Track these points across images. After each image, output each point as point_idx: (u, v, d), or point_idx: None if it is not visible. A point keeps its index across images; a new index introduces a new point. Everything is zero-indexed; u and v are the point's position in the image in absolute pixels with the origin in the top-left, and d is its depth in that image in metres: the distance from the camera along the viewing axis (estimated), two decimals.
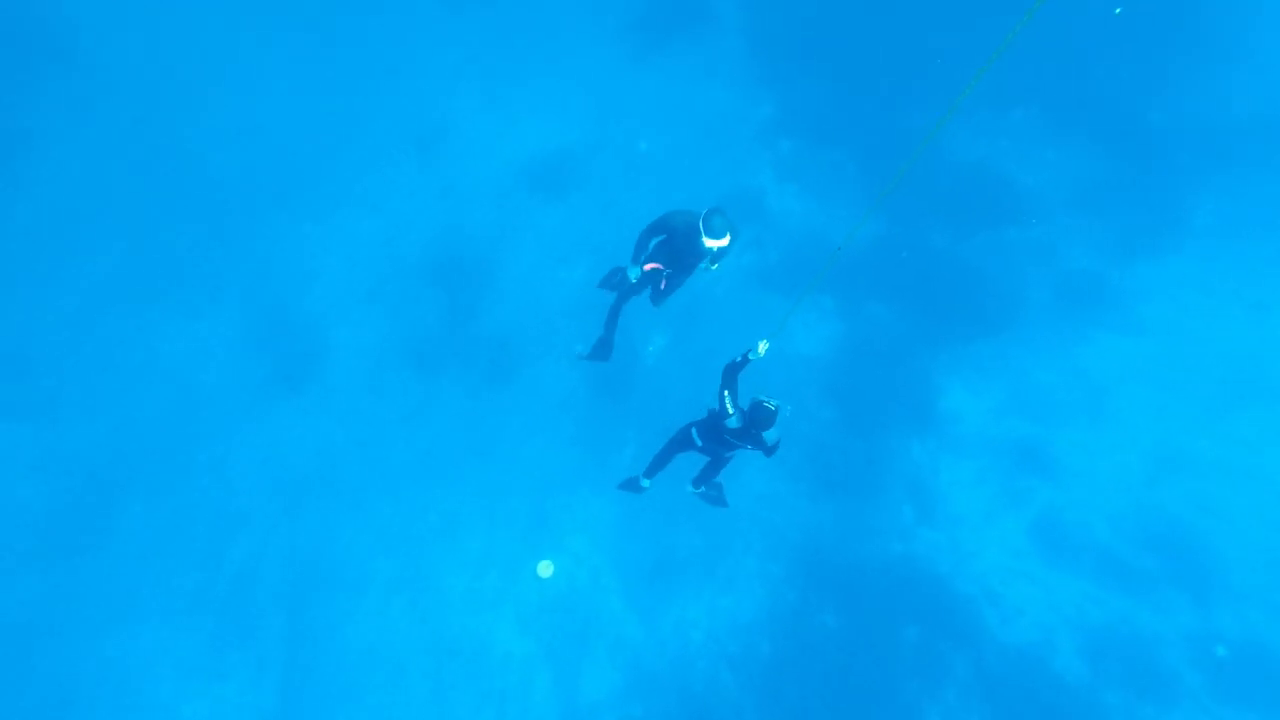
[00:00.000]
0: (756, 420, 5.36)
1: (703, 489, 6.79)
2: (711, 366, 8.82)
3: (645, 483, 6.69)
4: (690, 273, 6.30)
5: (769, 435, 5.48)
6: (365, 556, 7.98)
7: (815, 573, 8.04)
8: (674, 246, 5.99)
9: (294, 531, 8.00)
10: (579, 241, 8.64)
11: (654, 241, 6.13)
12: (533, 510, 8.35)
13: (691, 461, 6.41)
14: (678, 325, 9.09)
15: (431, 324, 8.49)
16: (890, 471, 8.55)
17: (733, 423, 5.48)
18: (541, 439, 8.60)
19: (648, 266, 6.19)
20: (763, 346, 5.42)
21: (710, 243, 5.51)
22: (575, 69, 8.71)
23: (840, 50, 9.28)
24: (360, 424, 8.30)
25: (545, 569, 8.02)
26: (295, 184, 8.79)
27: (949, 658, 7.37)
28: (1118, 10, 9.43)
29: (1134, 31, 9.24)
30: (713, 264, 6.19)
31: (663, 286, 6.44)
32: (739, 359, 5.49)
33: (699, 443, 6.00)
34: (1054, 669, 7.17)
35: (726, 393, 5.47)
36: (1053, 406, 8.62)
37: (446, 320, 8.50)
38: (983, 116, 9.50)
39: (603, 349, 7.10)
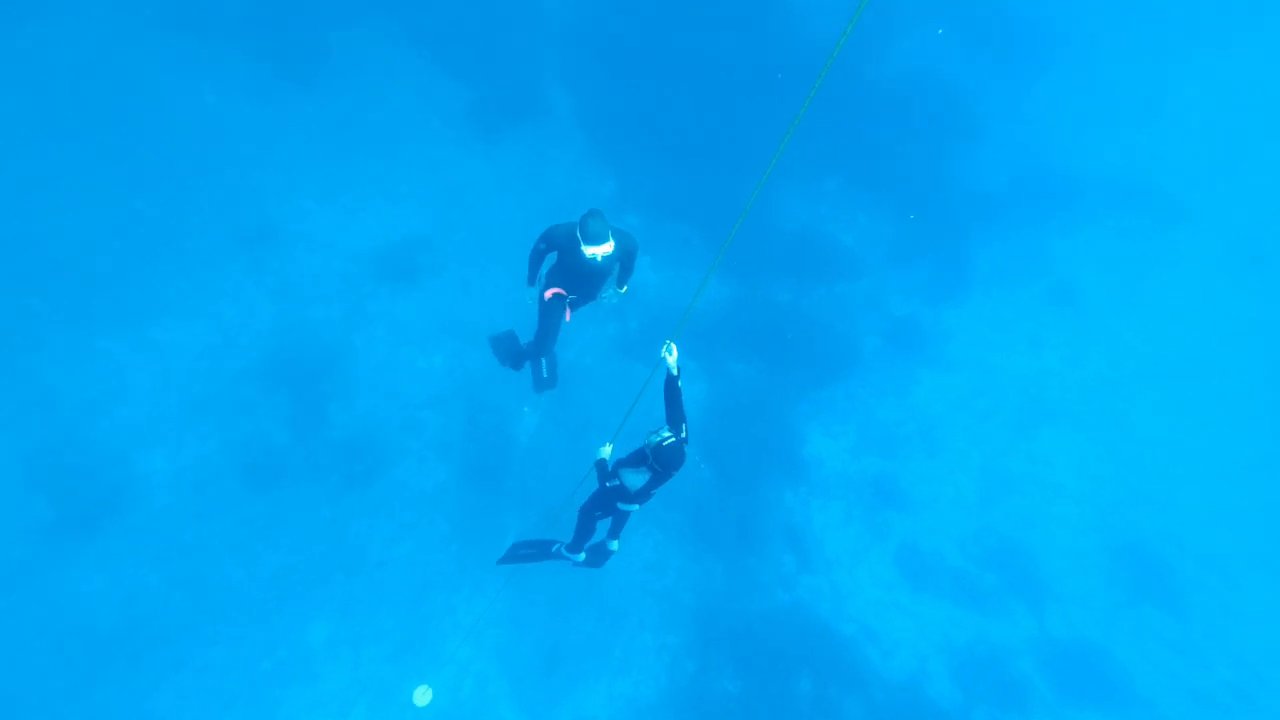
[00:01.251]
0: (672, 464, 4.75)
1: (589, 549, 6.26)
2: (588, 441, 8.78)
3: (579, 557, 6.18)
4: (596, 289, 5.69)
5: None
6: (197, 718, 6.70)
7: (710, 636, 8.05)
8: (565, 264, 5.47)
9: (96, 710, 6.53)
10: (436, 327, 8.22)
11: (546, 262, 5.58)
12: (406, 623, 7.57)
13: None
14: (547, 401, 8.91)
15: (273, 433, 7.53)
16: (768, 522, 8.89)
17: (636, 482, 4.86)
18: (412, 541, 7.88)
19: (549, 293, 5.65)
20: (671, 354, 4.72)
21: (590, 250, 5.01)
22: (413, 159, 8.44)
23: (670, 130, 9.94)
24: (180, 560, 7.06)
25: (422, 696, 7.18)
26: (88, 296, 7.50)
27: (841, 703, 7.66)
28: (940, 31, 10.95)
29: (911, 113, 10.85)
30: (620, 287, 5.75)
31: (568, 318, 5.88)
32: (667, 376, 4.82)
33: (635, 508, 5.25)
34: (931, 697, 7.72)
35: (619, 477, 4.90)
36: (896, 441, 9.52)
37: (291, 427, 7.59)
38: (804, 187, 10.57)
39: (549, 376, 6.62)
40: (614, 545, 6.17)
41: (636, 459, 4.96)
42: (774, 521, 8.89)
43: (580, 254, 5.14)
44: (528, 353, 6.56)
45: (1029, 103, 11.23)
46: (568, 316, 5.91)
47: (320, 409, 7.68)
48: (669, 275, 9.55)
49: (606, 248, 5.07)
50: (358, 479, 7.76)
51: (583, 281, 5.67)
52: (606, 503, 5.49)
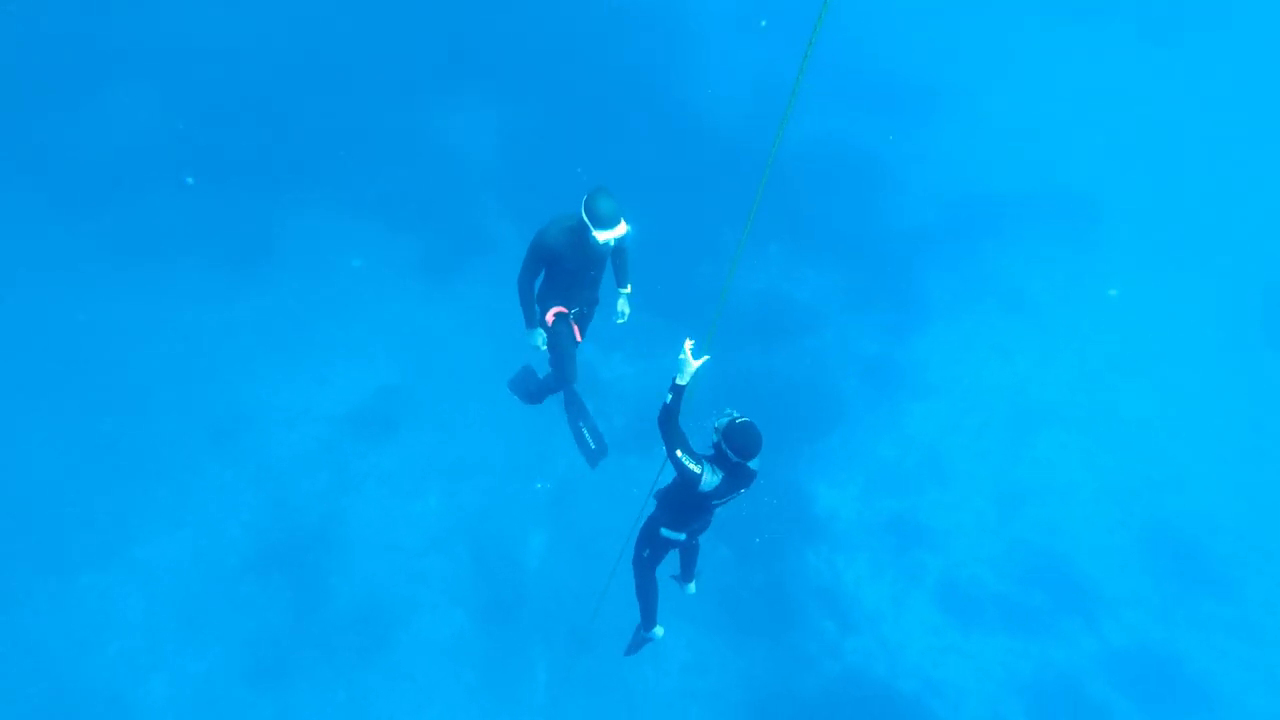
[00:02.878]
0: (742, 449, 3.75)
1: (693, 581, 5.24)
2: (598, 549, 8.55)
3: (658, 633, 5.29)
4: (597, 288, 5.08)
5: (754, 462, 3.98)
6: None
7: None
8: (565, 271, 4.79)
9: None
10: (424, 470, 8.14)
11: (538, 283, 4.92)
12: None
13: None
14: (550, 516, 8.73)
15: (275, 624, 7.21)
16: (799, 590, 8.60)
17: (709, 483, 3.87)
18: (439, 702, 7.42)
19: (550, 315, 5.01)
20: (689, 352, 3.78)
21: (603, 235, 4.37)
22: (374, 317, 8.68)
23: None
24: None
25: None
26: (65, 536, 7.33)
27: None
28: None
29: (831, 175, 11.52)
30: (624, 287, 5.07)
31: (579, 337, 5.23)
32: (668, 398, 3.89)
33: (681, 537, 4.44)
34: None
35: (679, 452, 3.87)
36: (903, 477, 9.45)
37: (292, 612, 7.28)
38: (749, 258, 11.02)
39: (596, 447, 5.96)
40: (691, 588, 5.16)
41: (705, 455, 3.93)
42: (804, 588, 8.61)
43: (582, 251, 4.58)
44: (548, 387, 5.94)
45: (937, 145, 12.08)
46: (579, 336, 5.25)
47: (320, 585, 7.41)
48: (643, 366, 9.68)
49: (622, 228, 4.46)
50: (370, 648, 7.38)
51: (584, 286, 5.06)
52: (652, 536, 4.44)
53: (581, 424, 6.19)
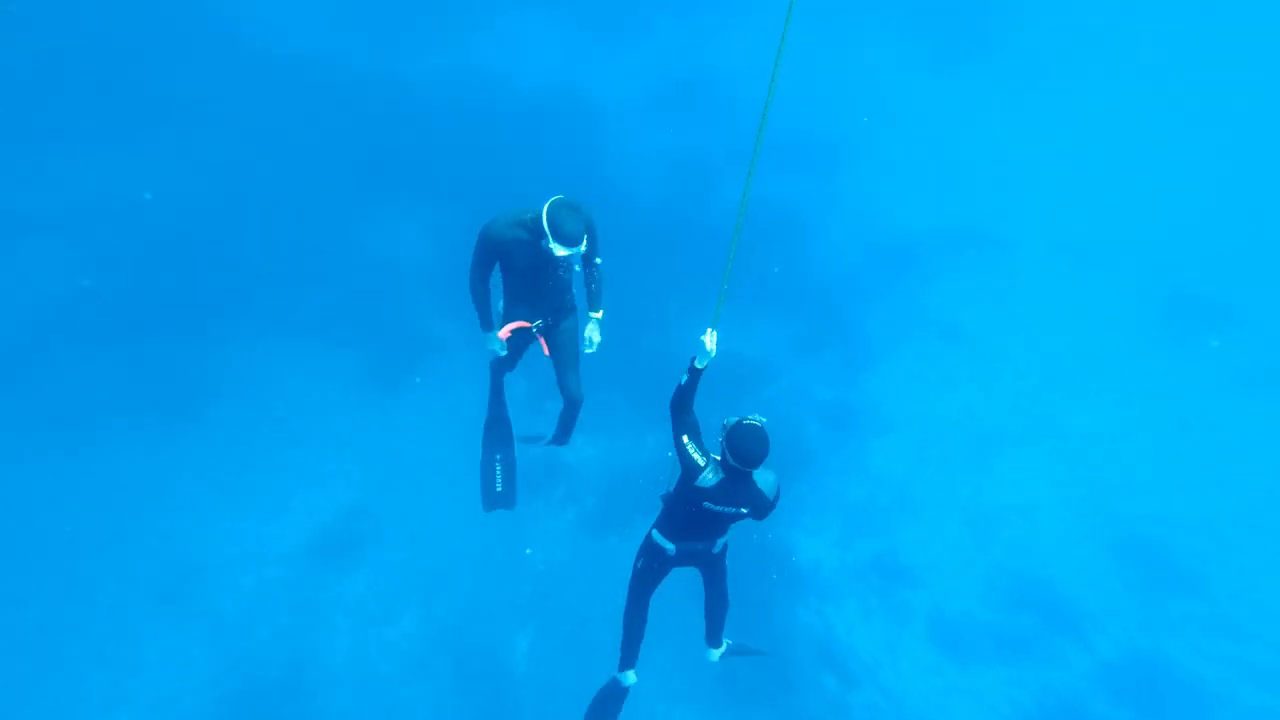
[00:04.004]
0: (739, 452, 3.44)
1: (728, 644, 4.72)
2: (588, 639, 8.22)
3: (629, 678, 4.60)
4: (563, 295, 4.63)
5: (766, 480, 3.72)
6: None
7: None
8: (518, 271, 4.31)
9: None
10: (395, 590, 7.74)
11: (496, 283, 4.45)
12: None
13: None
14: (533, 613, 8.40)
15: None
16: (795, 648, 8.44)
17: (706, 479, 3.55)
18: None
19: (507, 331, 4.53)
20: (710, 339, 3.61)
21: (559, 251, 3.99)
22: (324, 439, 8.35)
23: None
24: None
25: None
26: None
27: None
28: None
29: (754, 236, 11.98)
30: (595, 312, 4.66)
31: (546, 352, 4.75)
32: (684, 380, 3.68)
33: (669, 547, 3.96)
34: None
35: (686, 438, 3.61)
36: (877, 516, 9.57)
37: None
38: (697, 319, 11.27)
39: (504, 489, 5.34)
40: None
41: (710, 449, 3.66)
42: (799, 644, 8.47)
43: (533, 252, 4.16)
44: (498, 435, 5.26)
45: (848, 194, 12.83)
46: (546, 350, 4.78)
47: None
48: (605, 445, 9.63)
49: (583, 246, 4.09)
50: None
51: (546, 291, 4.53)
52: (646, 542, 4.06)
53: (497, 457, 5.52)
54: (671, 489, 4.10)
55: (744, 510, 3.78)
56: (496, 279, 4.57)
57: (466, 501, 8.30)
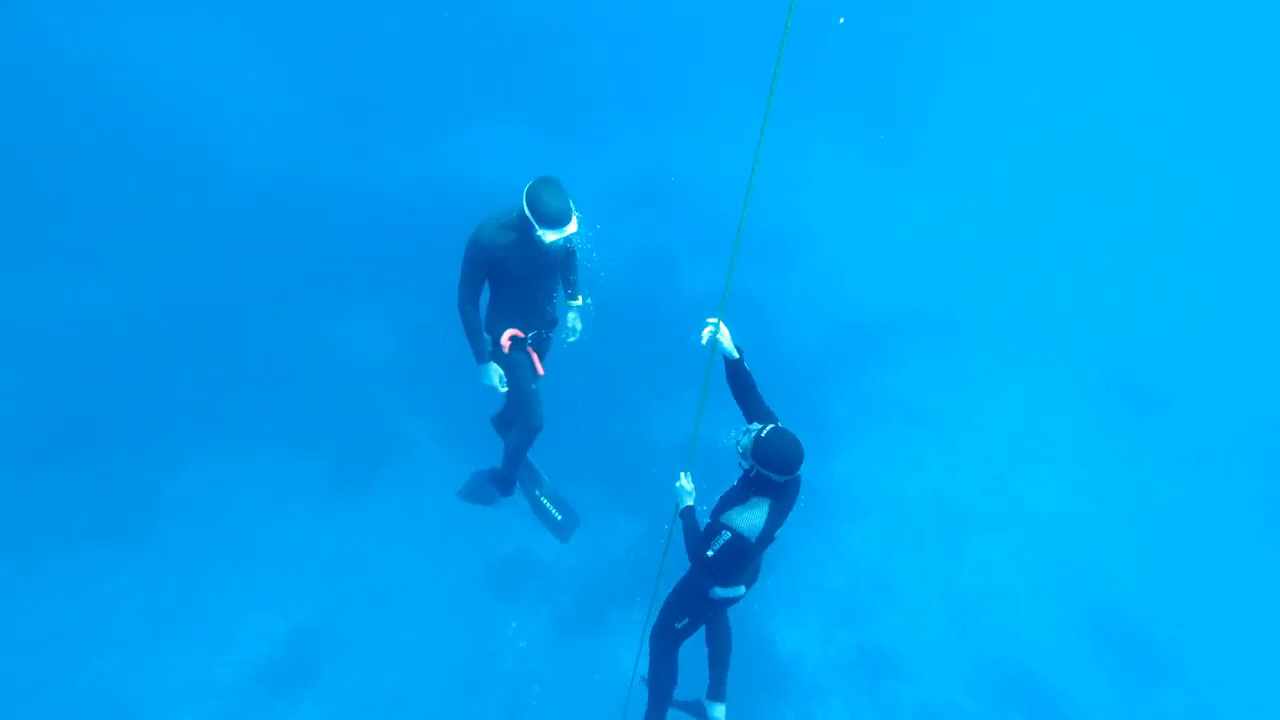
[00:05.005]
0: (785, 462, 3.30)
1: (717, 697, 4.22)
2: None
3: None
4: (553, 301, 4.33)
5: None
6: None
7: None
8: (511, 280, 4.04)
9: None
10: (357, 717, 7.14)
11: (484, 300, 4.16)
12: None
13: None
14: None
15: None
16: None
17: (754, 527, 3.37)
18: None
19: (506, 338, 4.19)
20: (685, 480, 3.49)
21: (551, 235, 3.79)
22: (280, 552, 7.82)
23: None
24: None
25: None
26: None
27: None
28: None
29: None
30: (575, 299, 4.40)
31: (540, 371, 4.41)
32: (681, 524, 3.50)
33: (740, 591, 3.70)
34: None
35: (711, 547, 3.39)
36: (856, 605, 9.40)
37: None
38: (663, 409, 11.36)
39: (564, 519, 5.09)
40: (719, 713, 4.19)
41: (741, 490, 3.49)
42: None
43: (528, 252, 3.92)
44: (513, 457, 4.82)
45: (804, 284, 13.42)
46: (540, 368, 4.41)
47: None
48: (578, 538, 9.31)
49: (573, 226, 3.86)
50: None
51: (538, 300, 4.22)
52: (695, 599, 3.77)
53: (539, 493, 5.30)
54: (710, 556, 3.69)
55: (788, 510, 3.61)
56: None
57: (432, 611, 7.89)
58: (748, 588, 3.94)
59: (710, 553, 3.46)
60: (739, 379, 3.70)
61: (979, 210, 15.49)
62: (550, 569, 9.21)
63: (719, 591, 3.86)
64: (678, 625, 4.04)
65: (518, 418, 4.57)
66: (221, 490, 8.03)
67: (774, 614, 9.23)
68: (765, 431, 3.38)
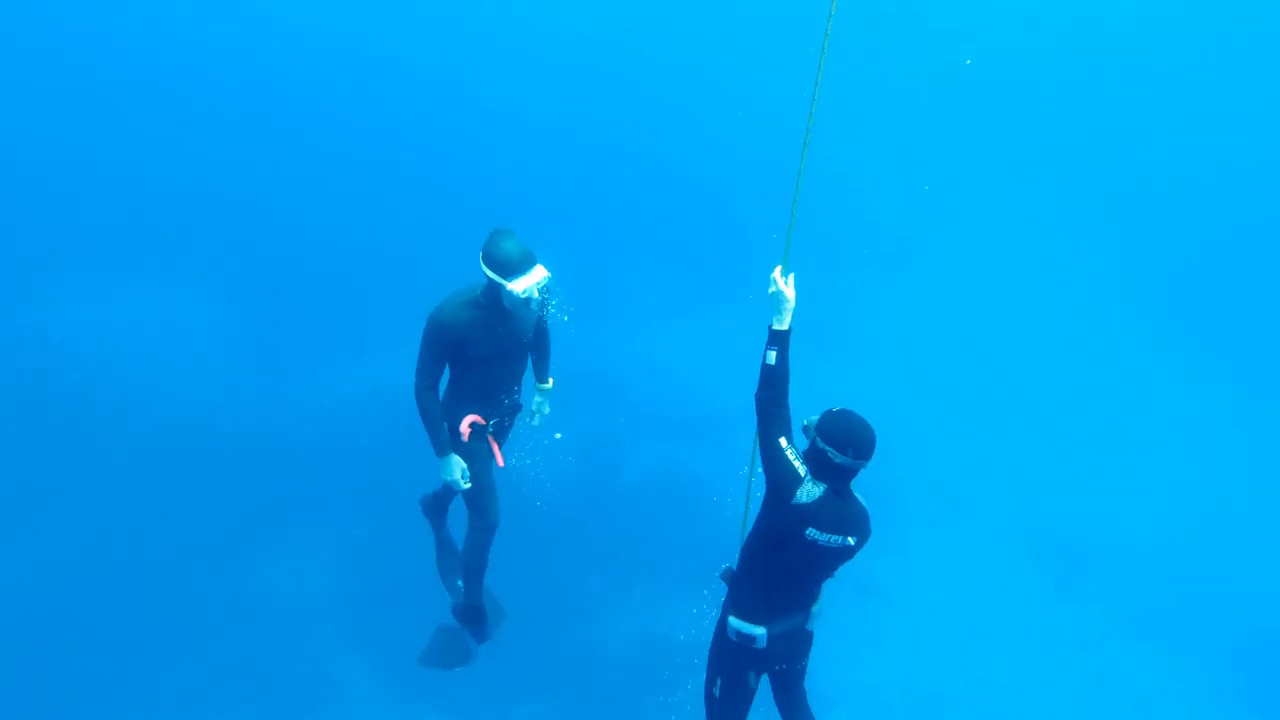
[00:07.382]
0: (856, 440, 2.90)
1: None
2: None
3: None
4: (518, 380, 4.06)
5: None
6: None
7: None
8: (476, 363, 3.76)
9: None
10: None
11: (442, 386, 3.83)
12: None
13: None
14: None
15: None
16: None
17: (809, 493, 2.85)
18: None
19: (465, 425, 3.83)
20: (782, 279, 2.94)
21: (521, 284, 3.47)
22: None
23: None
24: None
25: None
26: None
27: None
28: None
29: (668, 503, 12.28)
30: (545, 382, 4.24)
31: (500, 462, 4.05)
32: (770, 358, 2.98)
33: (759, 632, 3.12)
34: None
35: (783, 440, 2.96)
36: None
37: None
38: (616, 605, 10.74)
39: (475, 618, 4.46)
40: None
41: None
42: None
43: (495, 331, 3.69)
44: (471, 575, 4.33)
45: (738, 460, 13.64)
46: (499, 458, 4.09)
47: None
48: None
49: (540, 272, 3.58)
50: None
51: (504, 384, 4.00)
52: (720, 645, 3.36)
53: (459, 584, 4.73)
54: (747, 537, 3.26)
55: (850, 541, 3.05)
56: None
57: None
58: (768, 636, 3.28)
59: (771, 456, 3.00)
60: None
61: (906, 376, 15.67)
62: None
63: (735, 624, 3.29)
64: (714, 693, 3.51)
65: (473, 514, 4.27)
66: None
67: None
68: (838, 407, 3.08)
